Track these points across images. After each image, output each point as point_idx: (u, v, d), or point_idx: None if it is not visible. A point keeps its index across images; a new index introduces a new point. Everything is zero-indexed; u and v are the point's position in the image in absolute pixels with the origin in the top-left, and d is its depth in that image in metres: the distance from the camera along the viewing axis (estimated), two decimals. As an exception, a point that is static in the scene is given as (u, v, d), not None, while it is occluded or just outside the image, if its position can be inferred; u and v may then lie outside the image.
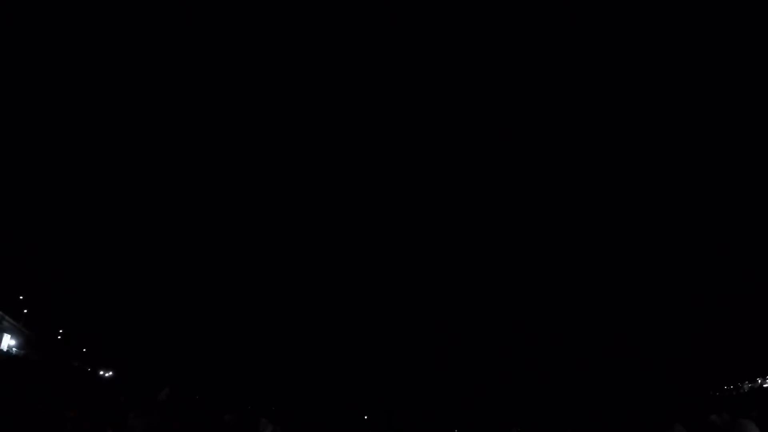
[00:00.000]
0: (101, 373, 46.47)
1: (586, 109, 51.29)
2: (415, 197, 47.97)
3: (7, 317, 43.83)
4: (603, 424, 28.48)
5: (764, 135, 43.97)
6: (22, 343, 45.19)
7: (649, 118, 49.37)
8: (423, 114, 53.65)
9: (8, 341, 43.80)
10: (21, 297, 45.82)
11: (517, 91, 53.58)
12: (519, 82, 53.77)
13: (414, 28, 52.35)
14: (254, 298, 43.37)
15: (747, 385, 42.46)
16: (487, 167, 52.24)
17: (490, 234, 49.61)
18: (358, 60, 52.95)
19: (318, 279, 41.52)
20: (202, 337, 45.56)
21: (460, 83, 53.48)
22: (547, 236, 50.27)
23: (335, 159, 47.84)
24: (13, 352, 42.65)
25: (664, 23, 46.11)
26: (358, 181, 46.61)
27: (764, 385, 41.31)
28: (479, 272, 46.66)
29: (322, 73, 54.70)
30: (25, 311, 46.03)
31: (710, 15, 44.12)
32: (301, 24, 54.00)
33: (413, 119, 52.97)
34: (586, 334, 45.57)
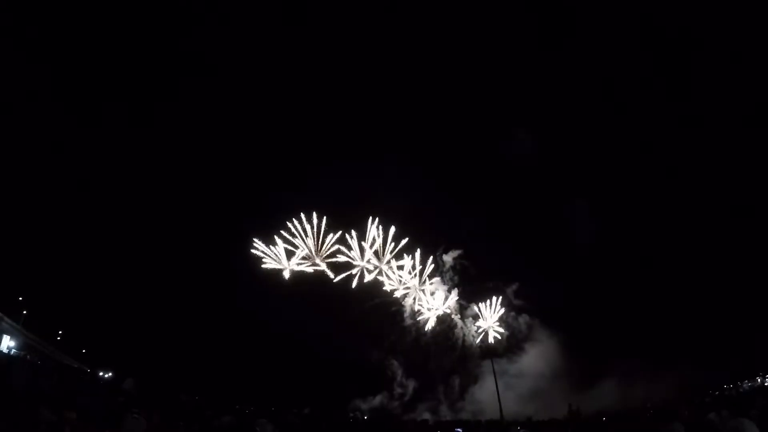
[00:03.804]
0: (101, 374, 46.39)
1: (599, 114, 51.17)
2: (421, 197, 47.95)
3: (6, 318, 43.80)
4: (603, 423, 28.46)
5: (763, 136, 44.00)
6: (22, 344, 45.17)
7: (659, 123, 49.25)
8: (435, 115, 53.55)
9: (8, 342, 43.78)
10: (20, 298, 45.79)
11: (533, 93, 53.36)
12: (534, 84, 53.52)
13: (427, 29, 52.16)
14: (254, 298, 43.53)
15: (746, 384, 42.45)
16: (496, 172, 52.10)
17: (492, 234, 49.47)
18: (366, 61, 52.79)
19: (317, 278, 41.72)
20: (202, 338, 45.48)
21: (474, 85, 53.22)
22: (548, 237, 50.15)
23: (339, 159, 47.85)
24: (13, 353, 42.61)
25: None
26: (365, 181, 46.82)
27: (764, 384, 41.31)
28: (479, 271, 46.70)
29: (332, 75, 54.49)
30: (25, 312, 46.00)
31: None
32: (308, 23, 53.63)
33: (425, 121, 52.84)
34: (585, 333, 45.48)
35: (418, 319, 45.07)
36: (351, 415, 44.41)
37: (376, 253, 43.84)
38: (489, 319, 45.43)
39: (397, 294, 44.52)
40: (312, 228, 43.74)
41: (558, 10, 49.70)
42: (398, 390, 47.46)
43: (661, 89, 49.83)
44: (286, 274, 43.52)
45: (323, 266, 44.00)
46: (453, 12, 51.66)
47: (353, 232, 43.91)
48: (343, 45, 52.32)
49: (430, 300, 44.98)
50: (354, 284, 43.66)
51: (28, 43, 44.50)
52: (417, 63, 54.65)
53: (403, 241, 43.91)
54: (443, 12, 51.99)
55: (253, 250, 43.34)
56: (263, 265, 43.26)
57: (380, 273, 44.03)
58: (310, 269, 44.00)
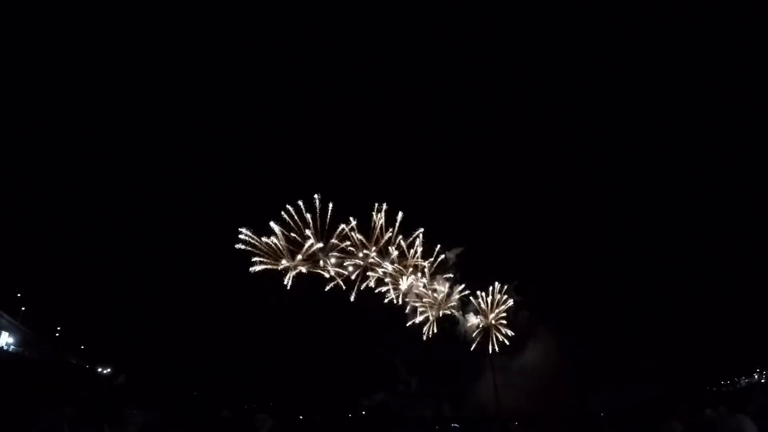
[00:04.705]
0: (99, 370, 46.42)
1: (599, 108, 51.04)
2: (423, 199, 47.58)
3: (4, 314, 43.74)
4: (601, 420, 28.61)
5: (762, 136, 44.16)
6: (20, 341, 45.12)
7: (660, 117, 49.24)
8: (433, 112, 53.56)
9: (6, 339, 43.73)
10: (19, 294, 45.69)
11: (530, 89, 53.40)
12: (533, 80, 53.49)
13: (426, 25, 52.12)
14: (252, 293, 42.85)
15: (744, 380, 42.71)
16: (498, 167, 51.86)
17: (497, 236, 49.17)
18: (364, 55, 52.70)
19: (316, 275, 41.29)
20: (200, 334, 45.39)
21: (470, 80, 53.14)
22: (550, 233, 50.20)
23: (339, 159, 47.53)
24: (11, 350, 42.59)
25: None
26: (363, 180, 46.34)
27: (761, 381, 41.57)
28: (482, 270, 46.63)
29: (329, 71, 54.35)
30: (23, 308, 45.93)
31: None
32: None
33: (423, 117, 52.78)
34: (586, 330, 45.61)
35: (420, 319, 44.22)
36: (350, 415, 44.48)
37: (380, 251, 42.05)
38: (490, 315, 45.32)
39: (400, 289, 42.83)
40: (315, 217, 38.62)
41: (562, 10, 49.67)
42: (401, 386, 47.41)
43: (664, 90, 49.93)
44: (288, 280, 38.53)
45: (330, 268, 39.22)
46: (461, 14, 51.67)
47: (352, 221, 39.97)
48: (347, 41, 52.15)
49: (432, 296, 44.32)
50: (353, 295, 39.81)
51: (28, 43, 44.36)
52: (417, 59, 54.67)
53: (419, 231, 41.02)
54: (450, 15, 52.01)
55: (241, 245, 37.65)
56: (253, 267, 37.78)
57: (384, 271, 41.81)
58: (323, 273, 39.25)
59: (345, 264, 40.74)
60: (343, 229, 40.43)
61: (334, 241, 40.30)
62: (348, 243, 40.69)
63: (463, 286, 45.30)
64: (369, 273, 41.66)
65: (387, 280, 42.19)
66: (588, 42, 50.37)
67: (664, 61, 49.08)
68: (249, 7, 51.47)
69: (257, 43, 52.25)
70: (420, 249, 42.41)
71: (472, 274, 45.67)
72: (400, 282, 42.51)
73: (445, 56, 54.35)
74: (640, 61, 50.04)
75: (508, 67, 54.00)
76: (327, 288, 40.02)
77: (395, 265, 42.12)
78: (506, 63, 53.40)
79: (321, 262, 40.02)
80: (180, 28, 49.51)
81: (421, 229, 41.38)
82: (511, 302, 44.93)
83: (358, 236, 41.01)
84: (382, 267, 41.76)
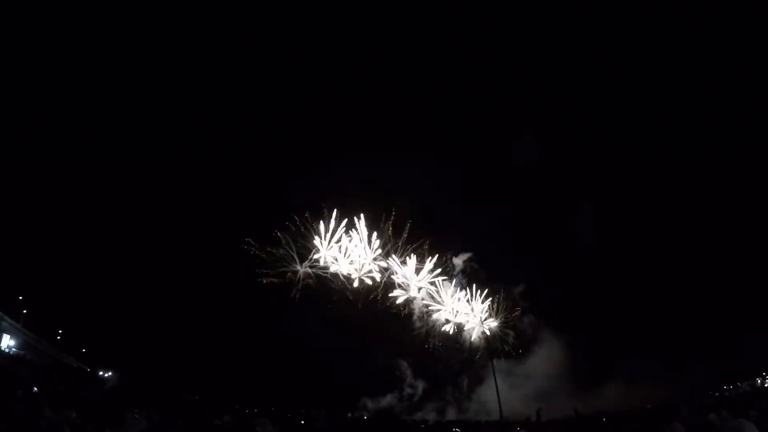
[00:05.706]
0: (101, 373, 46.40)
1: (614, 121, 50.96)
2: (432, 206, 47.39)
3: (6, 317, 43.78)
4: (603, 423, 28.48)
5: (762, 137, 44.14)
6: (22, 344, 45.15)
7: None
8: (440, 117, 53.53)
9: (7, 341, 43.78)
10: (20, 297, 45.74)
11: (530, 89, 53.35)
12: (547, 95, 53.44)
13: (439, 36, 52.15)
14: (255, 296, 42.74)
15: (746, 385, 42.49)
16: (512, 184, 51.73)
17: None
18: (371, 58, 52.57)
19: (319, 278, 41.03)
20: (204, 337, 45.36)
21: (485, 93, 53.04)
22: (555, 238, 50.16)
23: (339, 159, 47.20)
24: (13, 353, 42.61)
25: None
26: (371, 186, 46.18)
27: (764, 385, 41.39)
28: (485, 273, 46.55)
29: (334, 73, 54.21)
30: (25, 311, 45.96)
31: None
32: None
33: (422, 117, 52.66)
34: (591, 334, 45.52)
35: (429, 326, 43.75)
36: (349, 414, 44.32)
37: (387, 253, 41.69)
38: (496, 323, 45.13)
39: (409, 295, 42.48)
40: (326, 227, 39.11)
41: (563, 12, 49.63)
42: (408, 390, 47.36)
43: (664, 90, 49.87)
44: (295, 293, 39.12)
45: (341, 277, 39.59)
46: (461, 14, 51.60)
47: (361, 224, 40.26)
48: (347, 41, 52.04)
49: (438, 304, 43.97)
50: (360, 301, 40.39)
51: (28, 43, 44.47)
52: (417, 59, 54.62)
53: (426, 240, 41.35)
54: (450, 15, 51.92)
55: (247, 255, 38.51)
56: (260, 279, 38.52)
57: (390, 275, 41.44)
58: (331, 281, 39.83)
59: (353, 277, 40.77)
60: (351, 238, 40.43)
61: (337, 247, 40.42)
62: (354, 249, 40.64)
63: (470, 291, 45.03)
64: (374, 282, 41.40)
65: (393, 289, 41.85)
66: (588, 42, 50.33)
67: (664, 61, 49.02)
68: (249, 7, 51.42)
69: (257, 43, 52.11)
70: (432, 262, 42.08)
71: (477, 280, 45.59)
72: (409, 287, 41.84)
73: (445, 56, 54.29)
74: (640, 61, 49.98)
75: (508, 67, 53.98)
76: (335, 298, 40.23)
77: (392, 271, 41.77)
78: (506, 63, 53.40)
79: (329, 273, 40.09)
80: (180, 28, 49.50)
81: (428, 240, 41.53)
82: (519, 310, 44.95)
83: (364, 243, 40.98)
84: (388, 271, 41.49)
